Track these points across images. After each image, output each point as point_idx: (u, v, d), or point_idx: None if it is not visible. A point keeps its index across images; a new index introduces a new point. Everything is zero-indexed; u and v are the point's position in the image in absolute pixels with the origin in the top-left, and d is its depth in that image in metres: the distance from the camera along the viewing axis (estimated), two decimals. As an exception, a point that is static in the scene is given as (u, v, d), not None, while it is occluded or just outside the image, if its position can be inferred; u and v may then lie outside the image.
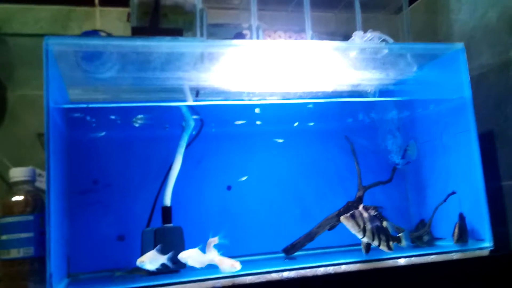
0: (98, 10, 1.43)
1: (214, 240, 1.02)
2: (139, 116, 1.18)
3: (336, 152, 1.42)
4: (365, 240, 1.07)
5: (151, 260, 1.02)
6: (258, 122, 1.35)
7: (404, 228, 1.24)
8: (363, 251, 1.08)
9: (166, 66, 1.10)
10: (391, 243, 1.08)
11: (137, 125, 1.21)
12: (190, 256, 1.01)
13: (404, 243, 1.09)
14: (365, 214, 1.07)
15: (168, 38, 1.05)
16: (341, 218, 1.06)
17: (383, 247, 1.07)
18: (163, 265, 1.02)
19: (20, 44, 1.35)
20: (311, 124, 1.43)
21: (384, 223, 1.08)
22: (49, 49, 0.93)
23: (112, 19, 1.43)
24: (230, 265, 1.00)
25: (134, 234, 1.19)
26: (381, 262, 1.06)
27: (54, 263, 0.90)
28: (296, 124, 1.40)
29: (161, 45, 1.06)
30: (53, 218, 0.89)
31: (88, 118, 1.18)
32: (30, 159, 1.20)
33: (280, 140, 1.41)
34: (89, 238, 1.22)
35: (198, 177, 1.34)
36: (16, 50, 1.35)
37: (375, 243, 1.07)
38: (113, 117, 1.19)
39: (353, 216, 1.05)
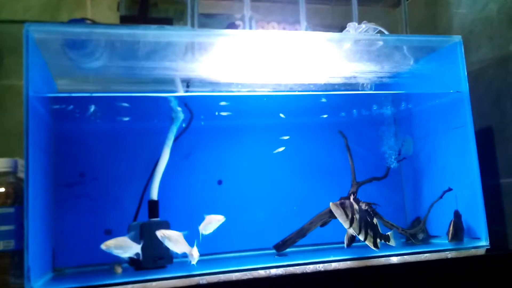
0: (88, -1, 1.41)
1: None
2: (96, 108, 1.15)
3: (330, 147, 1.38)
4: (350, 231, 1.04)
5: (121, 246, 0.98)
6: (228, 113, 1.32)
7: (398, 225, 1.22)
8: (345, 242, 1.05)
9: (154, 55, 1.08)
10: (378, 240, 1.05)
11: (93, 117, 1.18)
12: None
13: (392, 242, 1.07)
14: (356, 206, 1.04)
15: (154, 26, 1.01)
16: (331, 204, 1.03)
17: (369, 243, 1.04)
18: (137, 256, 0.99)
19: (8, 32, 1.32)
20: (304, 118, 1.40)
21: (375, 220, 1.05)
22: (30, 36, 0.90)
23: (103, 8, 1.40)
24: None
25: (122, 228, 1.16)
26: (373, 260, 1.03)
27: (33, 257, 0.87)
28: (282, 116, 1.37)
29: (148, 34, 1.02)
30: (31, 210, 0.87)
31: (74, 109, 1.15)
32: (18, 151, 1.17)
33: (286, 137, 1.38)
34: (76, 231, 1.20)
35: (188, 171, 1.31)
36: (3, 38, 1.32)
37: (361, 237, 1.04)
38: (100, 108, 1.16)
39: (342, 205, 1.03)
